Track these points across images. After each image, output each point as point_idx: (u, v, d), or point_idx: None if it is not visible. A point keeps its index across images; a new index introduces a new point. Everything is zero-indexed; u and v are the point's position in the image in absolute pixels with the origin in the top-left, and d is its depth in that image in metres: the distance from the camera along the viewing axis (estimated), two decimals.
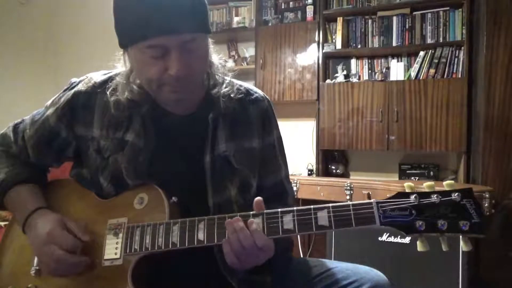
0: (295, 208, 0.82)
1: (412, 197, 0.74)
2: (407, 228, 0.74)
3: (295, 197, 2.80)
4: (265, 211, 0.82)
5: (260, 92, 1.07)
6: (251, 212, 0.83)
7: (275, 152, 1.07)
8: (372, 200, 0.76)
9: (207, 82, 0.98)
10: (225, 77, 1.01)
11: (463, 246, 0.74)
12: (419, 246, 0.75)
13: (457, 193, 0.73)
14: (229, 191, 0.96)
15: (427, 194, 0.74)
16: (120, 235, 0.89)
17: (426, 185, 0.76)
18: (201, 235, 0.83)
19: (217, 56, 0.99)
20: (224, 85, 0.99)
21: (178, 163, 0.96)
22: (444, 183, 0.76)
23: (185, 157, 0.97)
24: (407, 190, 0.76)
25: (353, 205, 0.78)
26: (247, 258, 0.81)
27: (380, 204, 0.76)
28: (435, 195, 0.74)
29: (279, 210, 0.82)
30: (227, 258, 0.83)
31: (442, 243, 0.75)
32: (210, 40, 0.93)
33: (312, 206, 0.81)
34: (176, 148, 0.97)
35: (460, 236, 0.73)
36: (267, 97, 1.08)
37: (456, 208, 0.72)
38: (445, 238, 0.74)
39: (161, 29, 0.80)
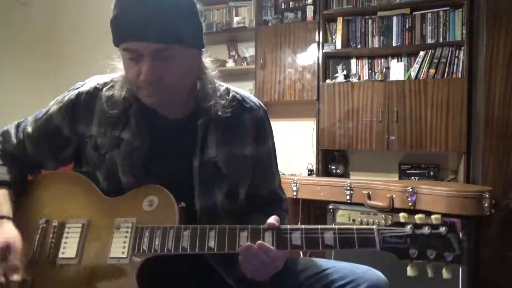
0: (303, 226, 0.86)
1: (408, 227, 0.84)
2: (401, 254, 0.84)
3: (295, 197, 2.80)
4: (274, 228, 0.86)
5: (256, 101, 1.08)
6: (262, 226, 0.87)
7: (270, 162, 1.09)
8: (373, 227, 0.85)
9: (199, 90, 0.99)
10: (222, 84, 1.03)
11: (444, 274, 0.83)
12: (409, 271, 0.83)
13: (444, 228, 0.83)
14: (215, 196, 0.98)
15: (420, 226, 0.84)
16: (128, 234, 0.90)
17: (417, 217, 0.85)
18: (211, 243, 0.86)
19: (212, 65, 1.00)
20: (219, 92, 1.00)
21: (168, 165, 0.98)
22: (432, 217, 0.85)
23: (176, 159, 0.98)
24: (401, 220, 0.86)
25: (357, 229, 0.85)
26: (267, 270, 0.86)
27: (380, 231, 0.85)
28: (427, 227, 0.84)
29: (288, 227, 0.86)
30: (247, 273, 0.87)
31: (428, 270, 0.83)
32: (200, 52, 0.94)
33: (319, 226, 0.86)
34: (168, 150, 0.99)
35: (444, 265, 0.82)
36: (263, 106, 1.09)
37: (442, 240, 0.83)
38: (430, 265, 0.83)
39: (133, 34, 0.83)
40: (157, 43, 0.83)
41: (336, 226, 0.86)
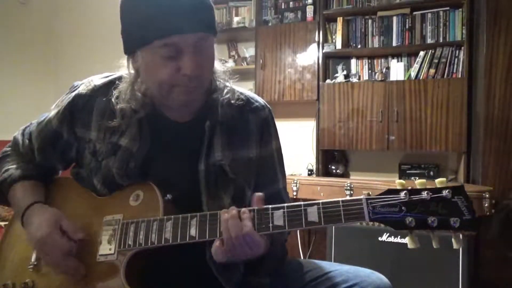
0: (285, 204, 0.82)
1: (402, 193, 0.75)
2: (396, 224, 0.74)
3: (295, 197, 2.80)
4: (256, 207, 0.83)
5: (261, 101, 1.06)
6: (243, 209, 0.84)
7: (273, 163, 1.06)
8: (361, 196, 0.77)
9: (209, 87, 0.98)
10: (227, 84, 1.01)
11: (454, 243, 0.73)
12: (409, 243, 0.75)
13: (448, 190, 0.73)
14: (223, 200, 0.95)
15: (417, 191, 0.74)
16: (115, 231, 0.90)
17: (418, 183, 0.76)
18: (193, 231, 0.84)
19: (220, 63, 0.99)
20: (225, 92, 0.99)
21: (172, 169, 0.96)
22: (436, 180, 0.76)
23: (180, 163, 0.97)
24: (398, 187, 0.76)
25: (343, 201, 0.78)
26: (233, 249, 0.82)
27: (369, 200, 0.76)
28: (426, 191, 0.74)
29: (270, 206, 0.82)
30: (213, 247, 0.83)
31: (433, 240, 0.74)
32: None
33: (302, 203, 0.81)
34: (172, 154, 0.97)
35: (452, 233, 0.73)
36: (268, 106, 1.07)
37: (447, 205, 0.73)
38: (436, 235, 0.74)
39: (177, 27, 0.82)
40: (198, 33, 0.85)
41: (321, 201, 0.79)
